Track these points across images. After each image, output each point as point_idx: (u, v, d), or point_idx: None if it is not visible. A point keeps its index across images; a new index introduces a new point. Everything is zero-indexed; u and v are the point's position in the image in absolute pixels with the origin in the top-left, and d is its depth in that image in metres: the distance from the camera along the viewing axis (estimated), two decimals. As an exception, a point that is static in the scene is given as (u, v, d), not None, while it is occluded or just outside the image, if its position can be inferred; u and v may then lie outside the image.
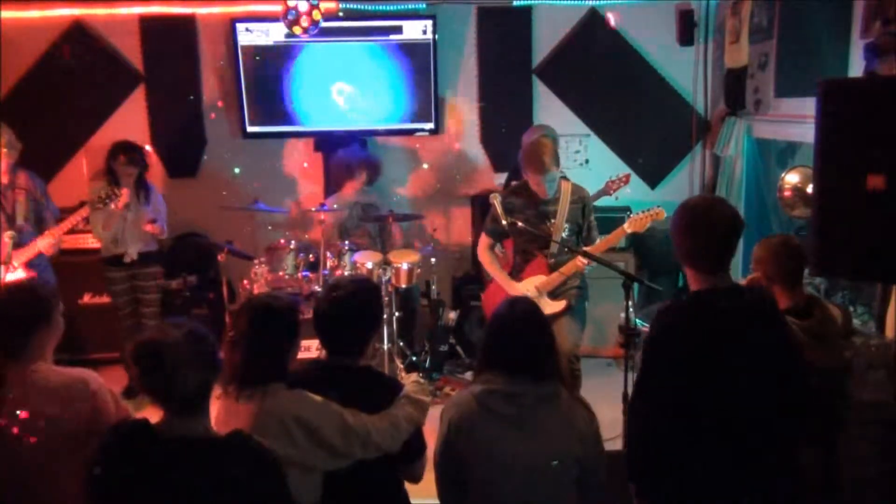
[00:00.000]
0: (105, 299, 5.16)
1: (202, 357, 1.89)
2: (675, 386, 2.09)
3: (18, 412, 2.24)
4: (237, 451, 1.89)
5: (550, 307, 3.77)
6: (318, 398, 2.27)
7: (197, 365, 1.86)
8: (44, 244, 4.04)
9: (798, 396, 2.14)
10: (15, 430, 2.23)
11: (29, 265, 4.05)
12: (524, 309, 2.50)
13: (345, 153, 5.40)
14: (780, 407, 2.11)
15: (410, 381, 2.49)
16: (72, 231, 4.26)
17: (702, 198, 2.35)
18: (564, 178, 4.03)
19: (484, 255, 4.06)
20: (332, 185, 5.49)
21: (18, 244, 4.01)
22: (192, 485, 1.82)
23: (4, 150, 4.02)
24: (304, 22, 4.85)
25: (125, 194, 4.33)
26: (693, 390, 2.08)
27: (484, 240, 4.06)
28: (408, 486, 2.50)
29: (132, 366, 1.85)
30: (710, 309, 2.13)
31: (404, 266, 4.80)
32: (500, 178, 5.55)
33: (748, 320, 2.11)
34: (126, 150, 4.56)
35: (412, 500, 2.51)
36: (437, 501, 2.46)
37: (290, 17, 4.82)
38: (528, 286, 3.87)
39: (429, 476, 2.50)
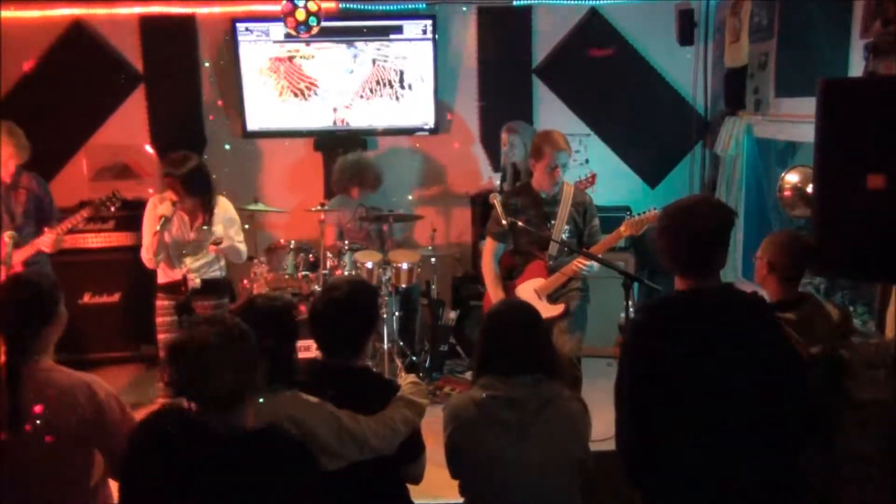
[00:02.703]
0: (105, 299, 5.17)
1: (239, 357, 1.88)
2: (640, 386, 2.08)
3: (30, 411, 2.24)
4: (268, 444, 1.89)
5: (549, 311, 3.74)
6: (313, 399, 2.27)
7: (232, 366, 1.86)
8: (44, 241, 4.02)
9: (784, 394, 2.12)
10: (27, 428, 2.23)
11: (28, 264, 4.04)
12: (519, 310, 2.50)
13: (335, 169, 5.29)
14: (764, 406, 2.09)
15: (407, 383, 2.49)
16: (71, 231, 4.24)
17: (681, 201, 2.30)
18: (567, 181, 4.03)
19: (487, 264, 3.96)
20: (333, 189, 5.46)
21: (18, 243, 4.00)
22: (219, 476, 1.82)
23: (13, 150, 3.95)
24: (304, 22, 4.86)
25: (166, 206, 3.86)
26: (656, 390, 2.07)
27: (490, 245, 3.97)
28: (410, 486, 2.50)
29: (168, 366, 1.87)
30: (677, 309, 2.14)
31: (404, 266, 4.80)
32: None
33: (714, 322, 2.09)
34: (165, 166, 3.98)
35: (415, 500, 2.51)
36: (439, 502, 2.46)
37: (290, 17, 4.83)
38: (528, 290, 3.86)
39: (430, 476, 2.50)
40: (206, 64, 5.76)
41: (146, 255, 3.94)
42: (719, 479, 2.08)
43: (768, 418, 2.08)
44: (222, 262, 4.14)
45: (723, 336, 2.07)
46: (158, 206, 3.92)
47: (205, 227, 3.96)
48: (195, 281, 3.87)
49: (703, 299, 2.11)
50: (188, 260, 3.92)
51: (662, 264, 2.19)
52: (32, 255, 4.03)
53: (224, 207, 4.10)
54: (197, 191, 3.91)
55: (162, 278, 4.05)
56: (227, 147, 5.87)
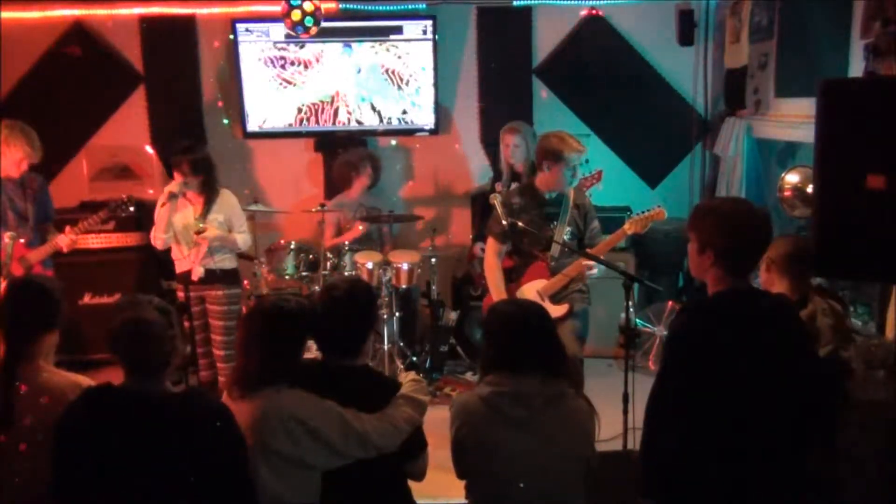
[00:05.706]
0: (106, 299, 5.16)
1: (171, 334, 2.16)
2: (695, 391, 2.07)
3: (27, 414, 2.25)
4: (190, 403, 2.14)
5: (553, 312, 3.73)
6: (317, 398, 2.28)
7: (168, 338, 2.14)
8: (63, 240, 4.02)
9: (812, 399, 2.14)
10: (20, 429, 2.24)
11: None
12: (529, 308, 2.50)
13: (346, 154, 5.39)
14: (796, 411, 2.11)
15: (408, 381, 2.50)
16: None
17: (741, 201, 2.34)
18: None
19: (490, 265, 3.91)
20: (337, 186, 5.47)
21: (30, 245, 4.01)
22: (150, 434, 2.02)
23: (28, 150, 3.94)
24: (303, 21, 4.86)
25: (174, 184, 3.99)
26: (711, 395, 2.07)
27: (492, 245, 3.92)
28: (412, 485, 2.50)
29: (116, 340, 2.09)
30: (730, 310, 2.14)
31: (404, 266, 4.80)
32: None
33: (766, 324, 2.11)
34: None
35: (417, 501, 2.51)
36: (441, 501, 2.46)
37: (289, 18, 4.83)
38: (531, 291, 3.85)
39: (432, 476, 2.50)
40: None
41: (154, 233, 4.06)
42: (740, 493, 2.08)
43: (795, 420, 2.10)
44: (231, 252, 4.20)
45: (760, 338, 2.08)
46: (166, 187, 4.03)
47: (205, 217, 4.05)
48: (199, 271, 4.02)
49: (745, 301, 2.14)
50: (185, 248, 4.05)
51: (708, 259, 2.17)
52: (48, 254, 4.04)
53: (227, 199, 4.19)
54: (204, 172, 4.04)
55: (176, 267, 4.18)
56: (228, 147, 5.86)
